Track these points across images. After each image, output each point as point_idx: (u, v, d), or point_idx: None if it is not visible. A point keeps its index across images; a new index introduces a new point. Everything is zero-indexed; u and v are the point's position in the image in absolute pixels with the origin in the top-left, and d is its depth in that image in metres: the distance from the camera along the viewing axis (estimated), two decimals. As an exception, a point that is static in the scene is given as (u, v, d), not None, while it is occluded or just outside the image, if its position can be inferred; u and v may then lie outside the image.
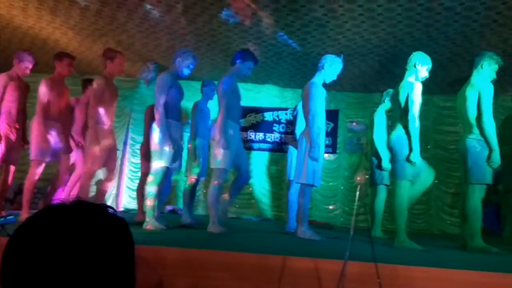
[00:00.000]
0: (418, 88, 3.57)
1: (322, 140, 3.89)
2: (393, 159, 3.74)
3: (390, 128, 3.88)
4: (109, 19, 5.48)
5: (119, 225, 0.79)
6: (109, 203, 7.20)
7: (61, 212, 0.75)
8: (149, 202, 3.83)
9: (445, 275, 2.15)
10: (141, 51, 6.42)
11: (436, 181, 6.89)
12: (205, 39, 5.88)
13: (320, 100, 3.83)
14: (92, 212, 0.77)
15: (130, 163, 7.85)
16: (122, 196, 7.81)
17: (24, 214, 4.03)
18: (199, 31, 5.62)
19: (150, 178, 3.87)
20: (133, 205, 7.50)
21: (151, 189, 3.84)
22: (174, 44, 6.12)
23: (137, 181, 7.66)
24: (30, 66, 4.49)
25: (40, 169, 4.33)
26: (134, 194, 7.73)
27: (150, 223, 3.76)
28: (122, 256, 0.77)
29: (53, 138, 4.37)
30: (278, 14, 4.97)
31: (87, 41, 6.26)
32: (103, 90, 4.04)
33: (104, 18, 5.46)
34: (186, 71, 3.97)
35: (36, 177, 4.33)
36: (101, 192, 4.38)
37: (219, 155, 3.82)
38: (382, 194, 4.89)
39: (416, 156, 3.49)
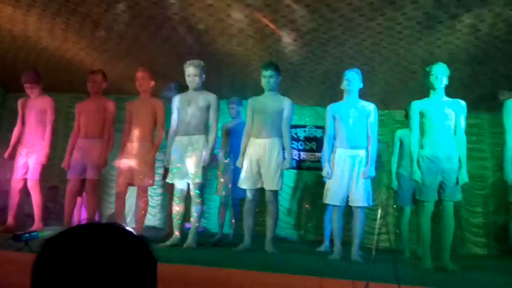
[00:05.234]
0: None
1: None
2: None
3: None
4: (132, 40, 5.63)
5: (141, 245, 0.82)
6: (128, 219, 7.22)
7: (89, 231, 0.79)
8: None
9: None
10: (162, 70, 6.54)
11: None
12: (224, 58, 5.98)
13: None
14: (116, 232, 0.80)
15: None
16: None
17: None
18: (217, 50, 5.72)
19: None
20: (151, 222, 7.51)
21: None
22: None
23: (156, 198, 7.79)
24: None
25: (70, 186, 4.45)
26: (153, 211, 7.77)
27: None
28: (145, 274, 0.80)
29: (82, 155, 4.47)
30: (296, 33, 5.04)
31: (111, 61, 6.43)
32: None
33: (127, 39, 5.61)
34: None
35: (69, 194, 4.43)
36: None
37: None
38: (406, 214, 4.79)
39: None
